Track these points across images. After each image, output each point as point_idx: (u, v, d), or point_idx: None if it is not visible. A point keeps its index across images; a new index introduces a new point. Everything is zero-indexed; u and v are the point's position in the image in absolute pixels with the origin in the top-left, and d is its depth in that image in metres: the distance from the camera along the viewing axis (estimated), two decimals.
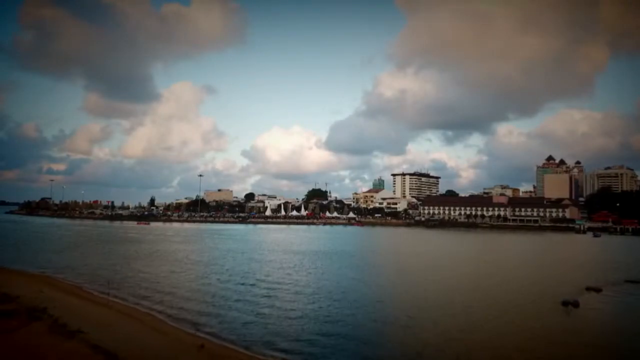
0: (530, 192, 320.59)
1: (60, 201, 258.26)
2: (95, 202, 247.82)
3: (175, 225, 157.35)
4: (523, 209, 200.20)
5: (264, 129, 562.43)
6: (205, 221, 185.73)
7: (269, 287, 33.65)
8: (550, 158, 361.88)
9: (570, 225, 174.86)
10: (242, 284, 34.67)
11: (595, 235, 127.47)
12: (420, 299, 31.62)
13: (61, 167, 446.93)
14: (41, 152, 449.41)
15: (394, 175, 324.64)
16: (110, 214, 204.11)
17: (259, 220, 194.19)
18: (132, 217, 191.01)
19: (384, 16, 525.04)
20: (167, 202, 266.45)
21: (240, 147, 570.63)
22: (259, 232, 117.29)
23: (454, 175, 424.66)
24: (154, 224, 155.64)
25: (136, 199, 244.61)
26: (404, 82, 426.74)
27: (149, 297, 29.32)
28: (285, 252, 60.56)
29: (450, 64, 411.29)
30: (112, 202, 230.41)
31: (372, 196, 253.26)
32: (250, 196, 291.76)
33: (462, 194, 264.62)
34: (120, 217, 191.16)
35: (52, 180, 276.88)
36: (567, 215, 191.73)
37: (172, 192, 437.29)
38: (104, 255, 53.60)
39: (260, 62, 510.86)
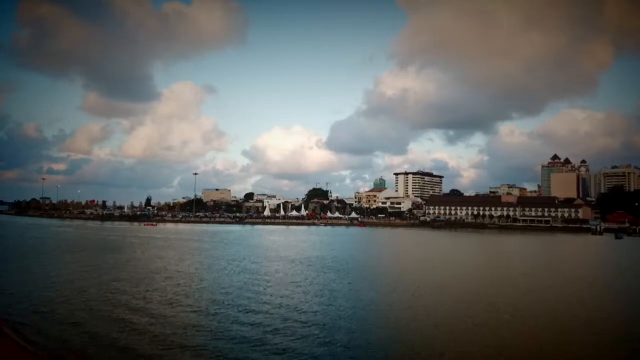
0: (535, 191, 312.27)
1: (50, 201, 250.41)
2: (92, 202, 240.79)
3: (169, 226, 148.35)
4: (533, 209, 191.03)
5: (265, 129, 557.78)
6: (201, 222, 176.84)
7: (259, 317, 24.63)
8: (555, 157, 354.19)
9: (584, 226, 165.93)
10: (224, 313, 25.66)
11: (617, 238, 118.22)
12: (465, 337, 22.62)
13: (62, 167, 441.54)
14: (41, 153, 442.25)
15: (396, 174, 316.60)
16: (101, 214, 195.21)
17: (257, 221, 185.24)
18: (123, 217, 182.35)
19: (385, 15, 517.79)
20: (165, 202, 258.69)
21: (241, 147, 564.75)
22: (256, 235, 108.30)
23: (456, 175, 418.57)
24: (140, 225, 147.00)
25: (137, 199, 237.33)
26: (406, 81, 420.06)
27: (84, 341, 20.27)
28: (283, 260, 51.48)
29: (453, 62, 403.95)
30: (104, 202, 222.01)
31: (375, 196, 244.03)
32: (249, 196, 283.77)
33: (465, 194, 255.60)
34: (112, 218, 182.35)
35: (43, 179, 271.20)
36: (580, 215, 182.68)
37: (172, 192, 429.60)
38: (63, 265, 44.54)
39: (261, 62, 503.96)
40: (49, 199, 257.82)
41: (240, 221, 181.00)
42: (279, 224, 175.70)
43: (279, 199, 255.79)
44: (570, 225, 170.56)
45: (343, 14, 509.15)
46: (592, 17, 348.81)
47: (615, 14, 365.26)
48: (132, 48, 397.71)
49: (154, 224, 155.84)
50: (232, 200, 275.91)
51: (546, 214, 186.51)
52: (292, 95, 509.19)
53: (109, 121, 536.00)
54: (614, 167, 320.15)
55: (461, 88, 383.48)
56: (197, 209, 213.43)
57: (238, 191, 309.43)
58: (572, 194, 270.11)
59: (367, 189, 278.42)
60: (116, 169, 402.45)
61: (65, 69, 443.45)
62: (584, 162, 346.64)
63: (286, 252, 62.51)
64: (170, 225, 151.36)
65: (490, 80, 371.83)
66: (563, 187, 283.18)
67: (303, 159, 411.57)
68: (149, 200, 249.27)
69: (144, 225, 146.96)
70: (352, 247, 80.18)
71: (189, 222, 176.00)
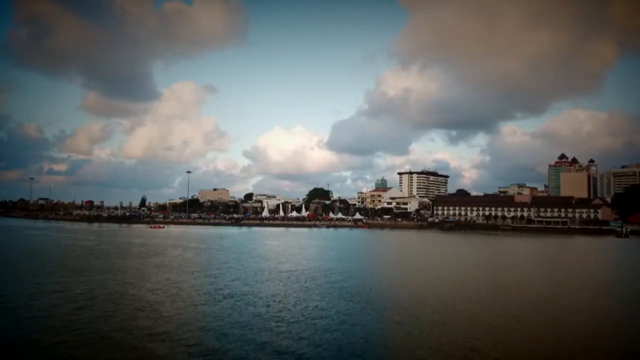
0: (542, 191, 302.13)
1: (37, 201, 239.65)
2: (88, 202, 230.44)
3: (173, 228, 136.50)
4: (549, 210, 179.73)
5: (266, 129, 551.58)
6: (194, 223, 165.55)
7: None
8: (562, 156, 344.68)
9: (605, 227, 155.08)
10: None
11: None
12: None
13: (62, 167, 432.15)
14: (42, 153, 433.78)
15: (400, 173, 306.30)
16: (88, 214, 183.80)
17: (255, 222, 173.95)
18: (111, 218, 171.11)
19: (385, 13, 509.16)
20: (156, 202, 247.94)
21: (241, 147, 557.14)
22: (252, 238, 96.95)
23: (457, 175, 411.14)
24: (137, 227, 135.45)
25: (137, 199, 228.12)
26: (408, 80, 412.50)
27: None
28: (284, 279, 39.95)
29: (455, 61, 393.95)
30: (91, 202, 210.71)
31: (379, 195, 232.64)
32: (249, 196, 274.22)
33: (471, 194, 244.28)
34: (99, 219, 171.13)
35: (31, 179, 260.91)
36: (600, 216, 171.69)
37: (172, 193, 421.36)
38: None
39: (262, 62, 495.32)
40: (46, 199, 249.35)
41: (236, 222, 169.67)
42: (277, 225, 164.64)
43: (279, 199, 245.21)
44: (590, 227, 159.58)
45: (344, 13, 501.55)
46: (596, 16, 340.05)
47: (620, 13, 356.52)
48: (132, 47, 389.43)
49: (162, 226, 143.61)
50: (230, 200, 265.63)
51: (562, 215, 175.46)
52: (292, 95, 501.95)
53: (108, 121, 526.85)
54: (623, 167, 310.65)
55: (463, 87, 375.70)
56: (193, 210, 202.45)
57: (238, 191, 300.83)
58: (583, 193, 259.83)
59: (368, 189, 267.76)
60: (116, 169, 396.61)
61: (65, 68, 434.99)
62: (591, 161, 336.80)
63: (284, 263, 51.18)
64: (178, 228, 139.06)
65: (493, 80, 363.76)
66: (573, 186, 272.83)
67: (304, 159, 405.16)
68: (143, 201, 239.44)
69: (150, 227, 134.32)
70: (362, 255, 69.24)
71: (181, 223, 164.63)
